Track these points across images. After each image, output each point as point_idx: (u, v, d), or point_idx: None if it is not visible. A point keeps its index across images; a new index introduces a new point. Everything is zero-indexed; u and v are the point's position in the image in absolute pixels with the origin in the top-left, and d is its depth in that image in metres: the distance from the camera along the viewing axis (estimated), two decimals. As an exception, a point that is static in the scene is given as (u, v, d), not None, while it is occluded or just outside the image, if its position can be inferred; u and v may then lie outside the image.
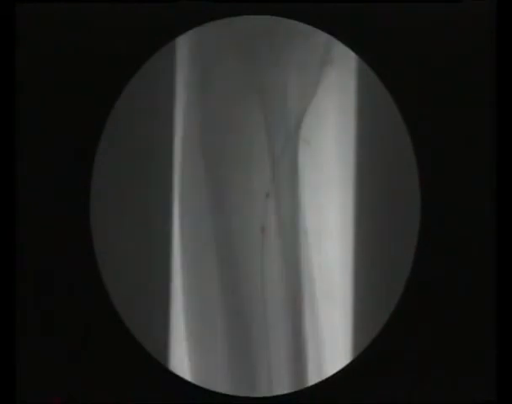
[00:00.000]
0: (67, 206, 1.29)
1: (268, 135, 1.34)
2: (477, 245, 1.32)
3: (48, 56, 1.30)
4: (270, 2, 1.30)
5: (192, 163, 1.34)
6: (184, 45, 1.33)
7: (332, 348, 1.34)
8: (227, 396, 1.32)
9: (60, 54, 1.30)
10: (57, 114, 1.29)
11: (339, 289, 1.35)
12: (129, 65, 1.30)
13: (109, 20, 1.30)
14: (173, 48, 1.32)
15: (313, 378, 1.34)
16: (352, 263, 1.35)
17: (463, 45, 1.32)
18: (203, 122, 1.34)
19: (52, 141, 1.29)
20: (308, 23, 1.31)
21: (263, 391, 1.34)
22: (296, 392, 1.32)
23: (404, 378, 1.32)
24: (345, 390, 1.31)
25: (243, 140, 1.34)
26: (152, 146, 1.32)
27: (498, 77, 1.31)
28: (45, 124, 1.29)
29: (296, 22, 1.31)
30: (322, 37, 1.33)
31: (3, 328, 1.25)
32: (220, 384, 1.34)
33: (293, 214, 1.35)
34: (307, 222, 1.35)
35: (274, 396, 1.33)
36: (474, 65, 1.32)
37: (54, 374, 1.29)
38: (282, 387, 1.35)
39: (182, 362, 1.34)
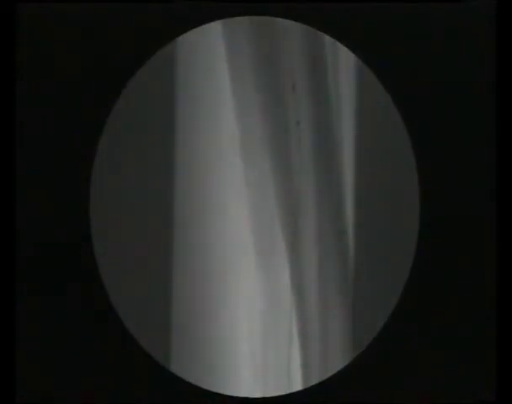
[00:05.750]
0: (67, 206, 1.29)
1: (268, 134, 1.34)
2: (476, 245, 1.32)
3: (48, 56, 1.29)
4: (271, 2, 1.30)
5: (192, 164, 1.34)
6: (183, 45, 1.33)
7: (332, 347, 1.34)
8: (227, 396, 1.32)
9: (60, 54, 1.29)
10: (57, 114, 1.29)
11: (339, 289, 1.35)
12: (129, 65, 1.30)
13: (109, 20, 1.30)
14: (173, 48, 1.32)
15: (313, 378, 1.33)
16: (352, 263, 1.35)
17: (463, 45, 1.32)
18: (203, 122, 1.34)
19: (52, 141, 1.29)
20: (308, 24, 1.30)
21: (262, 391, 1.34)
22: (296, 392, 1.32)
23: (404, 378, 1.32)
24: (345, 390, 1.31)
25: (243, 139, 1.34)
26: (152, 146, 1.32)
27: (498, 77, 1.31)
28: (45, 125, 1.29)
29: (296, 22, 1.31)
30: (323, 37, 1.33)
31: (3, 328, 1.25)
32: (220, 384, 1.34)
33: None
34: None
35: (274, 396, 1.33)
36: (474, 65, 1.32)
37: (54, 375, 1.29)
38: (282, 387, 1.35)
39: (182, 362, 1.33)
